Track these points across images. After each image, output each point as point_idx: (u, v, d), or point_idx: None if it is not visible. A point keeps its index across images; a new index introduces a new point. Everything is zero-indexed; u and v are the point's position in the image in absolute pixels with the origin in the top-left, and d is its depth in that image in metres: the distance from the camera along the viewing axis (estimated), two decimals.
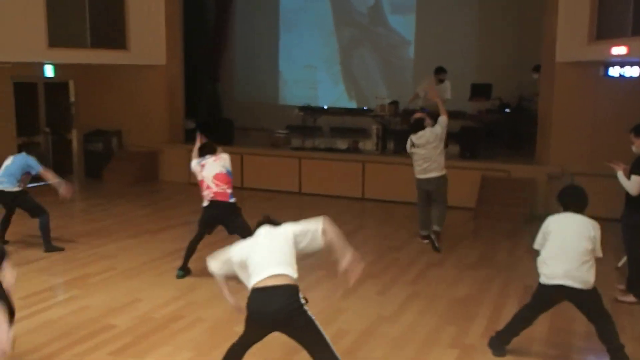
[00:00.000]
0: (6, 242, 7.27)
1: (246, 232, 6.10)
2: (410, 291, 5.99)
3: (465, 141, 10.27)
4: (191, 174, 11.77)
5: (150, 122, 12.13)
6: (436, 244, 7.36)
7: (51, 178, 7.07)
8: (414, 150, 7.39)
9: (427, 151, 7.28)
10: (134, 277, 6.28)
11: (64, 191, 7.10)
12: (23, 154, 7.18)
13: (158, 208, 9.73)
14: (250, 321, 3.65)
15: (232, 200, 6.20)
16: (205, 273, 6.35)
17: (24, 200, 7.10)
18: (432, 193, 7.45)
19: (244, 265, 3.74)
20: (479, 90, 11.11)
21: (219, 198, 6.13)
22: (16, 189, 6.98)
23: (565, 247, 4.26)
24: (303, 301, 3.53)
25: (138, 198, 10.38)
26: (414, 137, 7.36)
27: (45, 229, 7.08)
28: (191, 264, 6.34)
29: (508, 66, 11.53)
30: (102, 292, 5.85)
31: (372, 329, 5.07)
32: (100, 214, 9.16)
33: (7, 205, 7.18)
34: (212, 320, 5.21)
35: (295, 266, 3.66)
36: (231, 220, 6.18)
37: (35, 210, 7.11)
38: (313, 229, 3.73)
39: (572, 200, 4.41)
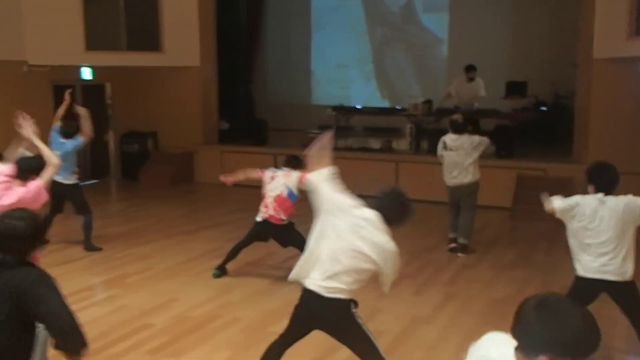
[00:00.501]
0: (47, 242, 7.43)
1: (302, 244, 6.10)
2: (446, 292, 5.95)
3: (500, 140, 10.12)
4: None
5: (184, 123, 12.27)
6: (459, 254, 7.14)
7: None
8: (444, 153, 7.15)
9: (459, 157, 6.99)
10: (170, 277, 6.36)
11: None
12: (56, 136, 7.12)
13: (193, 209, 9.84)
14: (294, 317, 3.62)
15: (285, 221, 6.11)
16: (241, 274, 6.45)
17: (77, 194, 7.21)
18: (460, 200, 7.19)
19: None
20: (514, 88, 10.96)
21: (273, 221, 6.07)
22: (73, 181, 7.07)
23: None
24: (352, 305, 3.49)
25: (173, 199, 10.51)
26: (447, 139, 7.16)
27: (88, 227, 7.21)
28: (228, 266, 6.40)
29: (543, 63, 11.35)
30: (140, 291, 5.94)
31: (409, 331, 5.05)
32: (136, 215, 9.31)
33: (57, 200, 7.18)
34: (248, 321, 5.25)
35: None
36: (285, 237, 6.15)
37: (82, 208, 7.23)
38: None
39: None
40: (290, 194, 6.05)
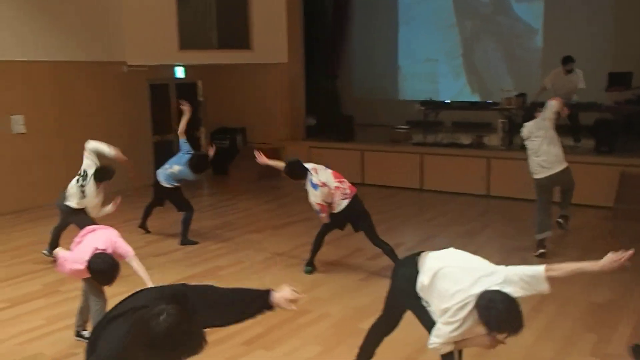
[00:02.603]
0: (149, 232, 7.82)
1: (372, 230, 6.09)
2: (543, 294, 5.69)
3: (601, 135, 9.60)
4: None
5: (272, 119, 12.45)
6: (565, 226, 7.06)
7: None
8: (527, 143, 6.85)
9: (538, 143, 6.67)
10: (261, 271, 6.47)
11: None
12: (187, 158, 7.36)
13: (281, 204, 9.96)
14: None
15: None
16: (330, 270, 6.46)
17: (176, 196, 7.53)
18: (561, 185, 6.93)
19: None
20: (618, 80, 10.33)
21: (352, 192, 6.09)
22: (171, 185, 7.41)
23: None
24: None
25: (262, 194, 10.69)
26: (525, 132, 6.89)
27: (186, 223, 7.46)
28: (316, 262, 6.43)
29: None
30: (232, 284, 5.99)
31: None
32: (227, 209, 9.53)
33: (160, 198, 7.65)
34: (337, 316, 5.24)
35: None
36: (358, 219, 6.13)
37: (183, 206, 7.50)
38: None
39: None
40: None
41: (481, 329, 3.28)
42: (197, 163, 7.28)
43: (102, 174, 6.24)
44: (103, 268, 4.16)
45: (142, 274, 4.52)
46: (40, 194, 9.22)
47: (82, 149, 6.44)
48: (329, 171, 6.19)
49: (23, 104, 9.41)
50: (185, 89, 12.58)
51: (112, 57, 10.39)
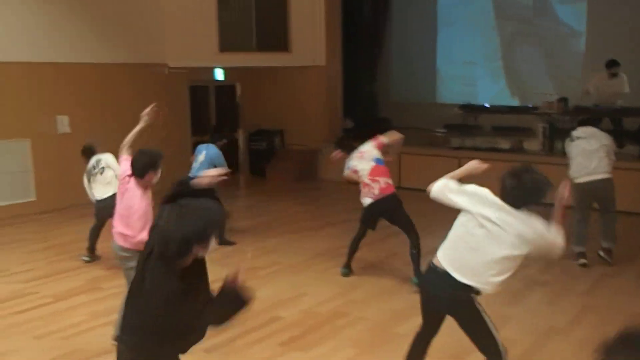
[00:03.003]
0: None
1: (408, 225, 6.06)
2: (583, 303, 5.59)
3: None
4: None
5: (310, 121, 12.50)
6: (609, 260, 6.61)
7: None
8: (571, 146, 6.68)
9: (590, 145, 6.48)
10: (298, 272, 6.51)
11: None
12: (213, 148, 7.51)
13: (318, 205, 10.00)
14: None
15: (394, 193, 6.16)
16: (366, 273, 6.46)
17: (209, 193, 7.57)
18: (598, 200, 6.61)
19: None
20: None
21: (384, 193, 6.04)
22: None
23: None
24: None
25: (299, 195, 10.75)
26: (574, 133, 6.75)
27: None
28: (353, 264, 6.44)
29: None
30: (269, 285, 6.12)
31: (543, 341, 4.80)
32: (264, 210, 9.61)
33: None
34: (374, 320, 5.23)
35: None
36: (395, 213, 6.12)
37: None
38: None
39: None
40: (377, 159, 6.12)
41: None
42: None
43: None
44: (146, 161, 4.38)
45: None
46: (83, 192, 9.43)
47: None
48: (369, 165, 6.14)
49: (68, 104, 9.67)
50: (224, 91, 12.74)
51: (154, 59, 10.60)
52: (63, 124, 9.66)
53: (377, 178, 6.08)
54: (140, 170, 4.42)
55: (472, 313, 3.41)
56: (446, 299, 3.42)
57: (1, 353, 4.69)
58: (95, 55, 9.87)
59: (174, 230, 2.58)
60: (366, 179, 6.09)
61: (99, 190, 6.70)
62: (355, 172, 6.19)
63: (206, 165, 7.14)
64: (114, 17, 10.03)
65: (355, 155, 6.28)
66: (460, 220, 3.49)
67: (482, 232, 3.35)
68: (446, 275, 3.38)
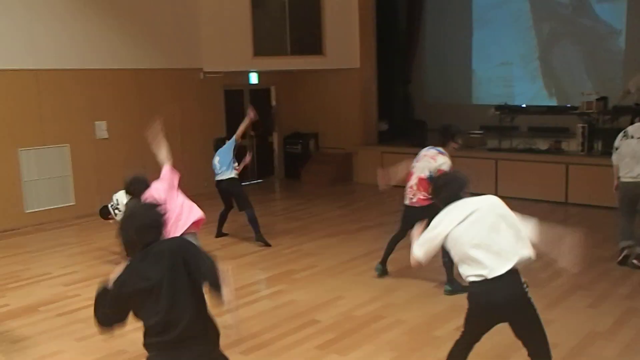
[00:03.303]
0: (225, 235, 8.04)
1: None
2: (626, 306, 5.45)
3: None
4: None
5: (344, 124, 12.50)
6: (634, 261, 6.44)
7: None
8: (623, 142, 6.47)
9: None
10: (335, 275, 6.50)
11: None
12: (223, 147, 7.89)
13: (354, 209, 9.98)
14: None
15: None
16: (403, 275, 6.41)
17: (238, 188, 7.72)
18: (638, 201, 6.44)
19: None
20: None
21: (419, 203, 5.98)
22: (232, 175, 7.64)
23: None
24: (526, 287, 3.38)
25: (334, 198, 10.75)
26: (630, 128, 6.53)
27: (253, 221, 7.61)
28: (390, 266, 6.40)
29: None
30: (306, 288, 6.13)
31: (585, 345, 4.69)
32: (300, 213, 9.64)
33: (225, 197, 7.84)
34: (412, 323, 5.20)
35: None
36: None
37: (244, 203, 7.66)
38: None
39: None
40: (431, 177, 5.91)
41: None
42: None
43: None
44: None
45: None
46: None
47: None
48: (423, 175, 6.00)
49: (106, 110, 9.87)
50: (259, 94, 12.82)
51: (190, 64, 10.75)
52: (101, 129, 9.86)
53: (414, 187, 6.03)
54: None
55: (533, 312, 3.36)
56: (513, 300, 3.34)
57: (46, 355, 4.80)
58: (133, 61, 10.06)
59: None
60: (411, 182, 6.04)
61: None
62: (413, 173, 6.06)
63: (227, 158, 7.63)
64: (151, 24, 10.21)
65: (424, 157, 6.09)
66: (456, 242, 3.48)
67: (477, 228, 3.42)
68: (503, 277, 3.32)
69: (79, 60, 9.49)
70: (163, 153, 5.33)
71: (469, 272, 3.43)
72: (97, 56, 9.66)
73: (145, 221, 2.87)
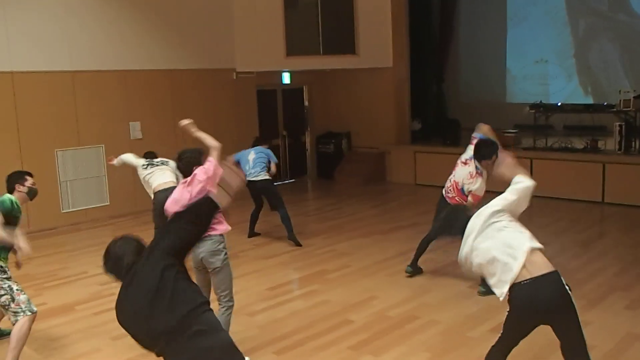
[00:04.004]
0: (258, 234, 8.12)
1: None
2: None
3: None
4: (417, 176, 11.79)
5: (377, 123, 12.47)
6: None
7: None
8: None
9: None
10: (368, 276, 6.49)
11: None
12: (262, 148, 8.01)
13: (387, 208, 9.94)
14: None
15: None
16: (438, 275, 6.38)
17: (271, 188, 7.78)
18: None
19: None
20: None
21: (450, 201, 5.95)
22: (267, 177, 7.71)
23: None
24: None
25: (367, 198, 10.72)
26: None
27: (286, 220, 7.65)
28: (424, 266, 6.38)
29: None
30: (339, 288, 6.14)
31: (623, 347, 4.60)
32: (333, 213, 9.64)
33: (256, 196, 7.90)
34: (446, 324, 5.16)
35: None
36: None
37: (277, 202, 7.71)
38: None
39: None
40: (463, 190, 5.86)
41: None
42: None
43: None
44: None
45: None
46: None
47: None
48: (451, 181, 6.01)
49: (140, 110, 10.02)
50: (292, 94, 12.88)
51: (223, 64, 10.84)
52: (135, 129, 10.02)
53: (450, 191, 6.01)
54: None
55: (574, 311, 3.29)
56: (557, 299, 3.28)
57: (82, 353, 4.89)
58: (167, 62, 10.20)
59: None
60: (447, 183, 6.03)
61: None
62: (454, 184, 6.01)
63: (261, 160, 7.69)
64: (184, 25, 10.33)
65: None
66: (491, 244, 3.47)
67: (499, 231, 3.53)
68: (544, 277, 3.27)
69: (115, 62, 9.66)
70: (208, 139, 4.88)
71: (515, 272, 3.38)
72: (132, 57, 9.82)
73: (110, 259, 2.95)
